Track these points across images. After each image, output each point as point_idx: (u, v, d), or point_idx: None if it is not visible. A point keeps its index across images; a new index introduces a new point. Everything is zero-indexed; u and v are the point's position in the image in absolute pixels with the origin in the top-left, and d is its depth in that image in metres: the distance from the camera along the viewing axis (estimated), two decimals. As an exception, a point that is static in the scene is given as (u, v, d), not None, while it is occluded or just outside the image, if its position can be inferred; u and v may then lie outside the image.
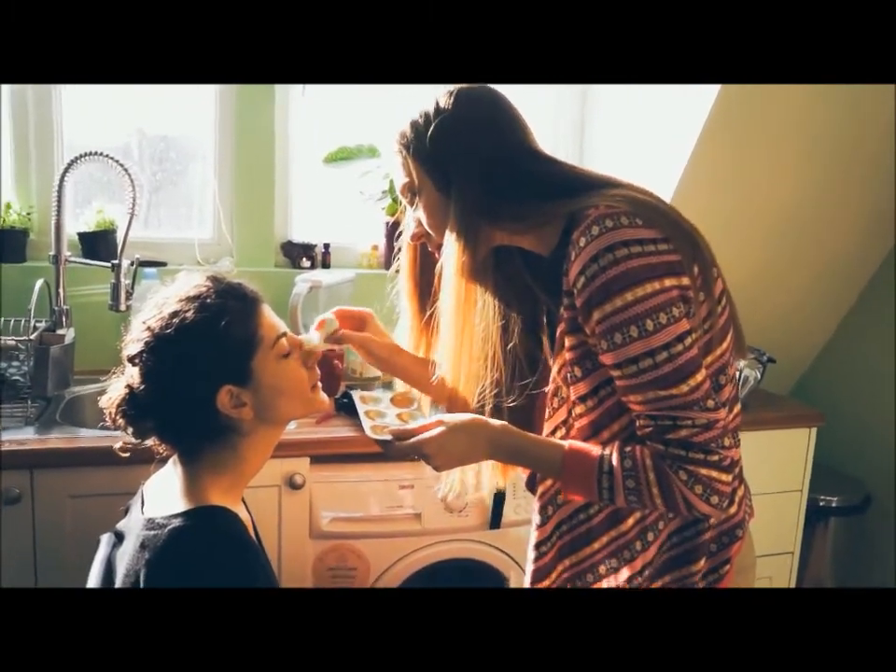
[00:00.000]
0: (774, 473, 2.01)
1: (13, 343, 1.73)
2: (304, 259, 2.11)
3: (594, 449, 1.01)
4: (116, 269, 1.77)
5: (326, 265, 2.14)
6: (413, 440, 1.02)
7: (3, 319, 1.78)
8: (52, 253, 1.80)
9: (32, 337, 1.72)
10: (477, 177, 1.01)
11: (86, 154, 1.74)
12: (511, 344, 1.12)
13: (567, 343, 1.02)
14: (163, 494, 1.07)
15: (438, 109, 1.02)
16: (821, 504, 2.21)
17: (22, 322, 1.76)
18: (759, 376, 2.02)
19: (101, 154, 1.74)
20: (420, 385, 1.19)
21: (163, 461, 1.11)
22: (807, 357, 2.53)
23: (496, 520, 1.69)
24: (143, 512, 1.04)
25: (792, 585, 2.06)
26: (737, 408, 1.07)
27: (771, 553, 2.02)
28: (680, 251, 0.96)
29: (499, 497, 1.69)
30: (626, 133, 2.17)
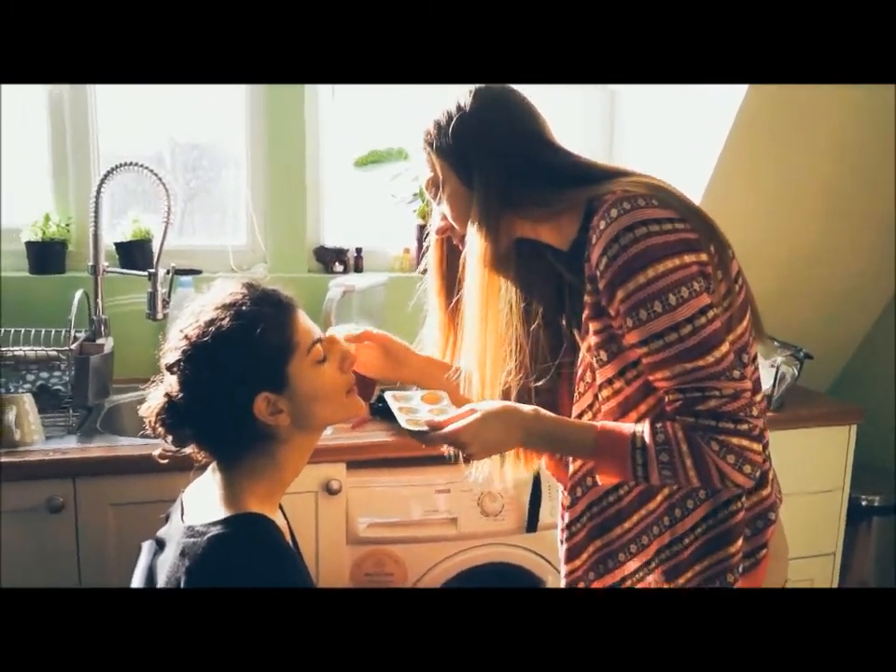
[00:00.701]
0: (813, 472, 2.00)
1: (54, 353, 1.76)
2: (337, 263, 2.13)
3: (625, 427, 1.06)
4: (152, 278, 1.80)
5: (359, 269, 2.16)
6: (448, 429, 1.04)
7: (44, 330, 1.82)
8: (91, 264, 1.83)
9: (72, 347, 1.75)
10: (497, 169, 1.07)
11: (121, 165, 1.77)
12: (533, 326, 1.15)
13: (592, 327, 1.07)
14: (202, 501, 1.08)
15: (459, 107, 1.08)
16: (863, 503, 2.19)
17: (63, 332, 1.80)
18: (796, 373, 2.00)
19: (136, 164, 1.77)
20: (438, 386, 1.21)
21: (202, 468, 1.13)
22: (846, 353, 2.50)
23: (532, 523, 1.69)
24: (183, 520, 1.06)
25: (835, 587, 2.04)
26: (760, 394, 1.11)
27: (812, 554, 2.01)
28: (697, 230, 1.01)
29: (535, 500, 1.69)
30: (655, 131, 2.17)
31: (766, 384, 1.95)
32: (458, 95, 1.08)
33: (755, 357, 1.12)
